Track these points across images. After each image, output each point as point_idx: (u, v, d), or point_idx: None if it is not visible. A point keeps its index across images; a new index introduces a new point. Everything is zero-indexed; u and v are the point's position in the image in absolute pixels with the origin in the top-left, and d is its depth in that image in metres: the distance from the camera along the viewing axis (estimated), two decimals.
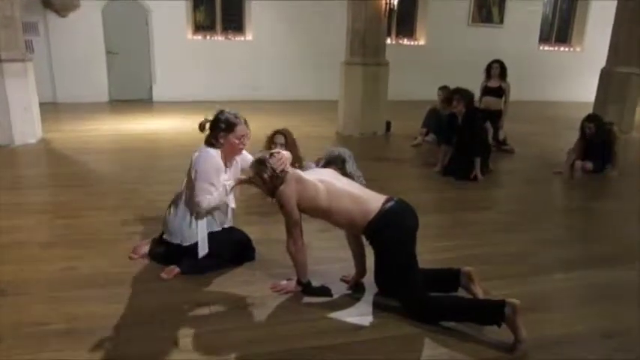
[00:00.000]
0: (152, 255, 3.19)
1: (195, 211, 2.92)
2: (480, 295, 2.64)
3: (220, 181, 2.90)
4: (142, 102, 10.38)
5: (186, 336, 2.41)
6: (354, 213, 2.54)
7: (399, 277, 2.53)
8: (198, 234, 2.94)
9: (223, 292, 2.82)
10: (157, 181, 4.91)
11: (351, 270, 2.97)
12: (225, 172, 2.96)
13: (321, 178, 2.65)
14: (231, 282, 2.94)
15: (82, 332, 2.41)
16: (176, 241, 2.95)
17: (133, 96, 10.49)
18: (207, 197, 2.84)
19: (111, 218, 3.88)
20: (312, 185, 2.60)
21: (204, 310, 2.64)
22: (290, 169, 2.74)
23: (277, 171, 2.68)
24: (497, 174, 5.65)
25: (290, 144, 4.28)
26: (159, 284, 2.88)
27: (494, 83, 7.11)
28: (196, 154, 2.93)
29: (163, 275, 2.94)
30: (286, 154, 2.77)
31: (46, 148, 6.33)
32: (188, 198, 2.94)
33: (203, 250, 2.95)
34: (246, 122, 2.94)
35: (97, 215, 3.94)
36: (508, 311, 2.32)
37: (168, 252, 3.02)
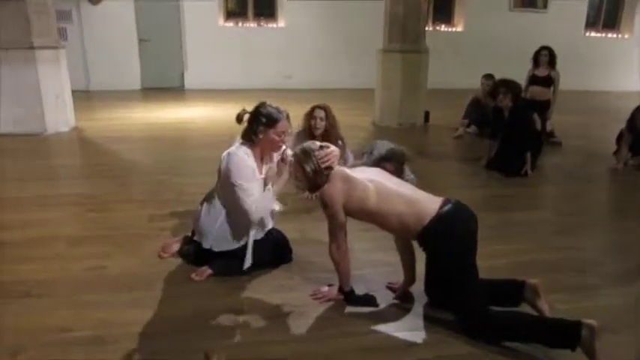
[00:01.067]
0: (182, 254, 2.99)
1: (248, 221, 2.68)
2: (547, 311, 2.34)
3: (259, 182, 2.66)
4: (173, 90, 10.28)
5: (217, 349, 2.19)
6: (407, 217, 2.26)
7: (457, 289, 2.25)
8: (248, 247, 2.73)
9: (258, 299, 2.60)
10: (187, 173, 4.73)
11: (398, 276, 2.71)
12: (262, 169, 2.72)
13: (370, 178, 2.38)
14: (267, 286, 2.71)
15: (108, 341, 2.22)
16: (207, 245, 2.74)
17: (164, 84, 10.40)
18: (254, 203, 2.58)
19: (140, 212, 3.71)
20: (361, 185, 2.34)
21: (238, 319, 2.42)
22: (336, 167, 2.49)
23: (322, 166, 2.43)
24: (546, 169, 5.24)
25: (330, 119, 4.03)
26: (189, 287, 2.68)
27: (542, 72, 6.66)
28: (225, 155, 2.68)
29: (194, 277, 2.73)
30: (336, 150, 2.51)
31: (78, 137, 6.25)
32: (229, 209, 2.71)
33: (249, 261, 2.75)
34: (288, 117, 2.68)
35: (126, 209, 3.77)
36: (585, 334, 2.01)
37: (199, 252, 2.80)
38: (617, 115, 8.83)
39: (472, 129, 6.94)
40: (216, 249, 2.71)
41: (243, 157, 2.59)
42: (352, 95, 9.67)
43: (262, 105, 2.67)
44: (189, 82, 10.52)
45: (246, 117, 2.70)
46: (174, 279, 2.77)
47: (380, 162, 4.14)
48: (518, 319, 2.23)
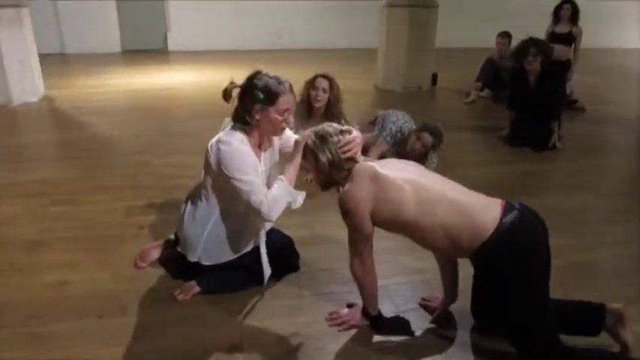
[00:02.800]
0: (164, 262, 2.44)
1: (253, 222, 2.14)
2: (629, 341, 1.82)
3: (260, 174, 2.07)
4: (156, 52, 9.50)
5: None
6: (458, 230, 1.71)
7: (520, 315, 1.72)
8: (261, 253, 2.18)
9: (261, 328, 2.05)
10: (170, 151, 4.12)
11: (433, 287, 2.19)
12: (261, 159, 2.12)
13: (405, 176, 1.80)
14: (271, 307, 2.17)
15: None
16: (193, 257, 2.16)
17: (146, 45, 9.61)
18: (265, 196, 1.96)
19: (115, 204, 3.12)
20: (396, 187, 1.77)
21: (237, 357, 1.89)
22: (361, 159, 1.91)
23: (342, 156, 1.86)
24: (574, 139, 4.66)
25: (335, 92, 3.43)
26: (173, 310, 2.13)
27: (563, 28, 6.03)
28: (213, 144, 2.04)
29: (179, 296, 2.19)
30: (359, 136, 1.93)
31: (48, 108, 5.57)
32: (225, 207, 2.11)
33: (267, 272, 2.23)
34: (291, 89, 2.05)
35: (99, 200, 3.18)
36: None
37: (184, 263, 2.24)
38: (632, 74, 8.28)
39: (485, 93, 6.35)
40: (205, 262, 2.15)
41: (238, 147, 1.99)
42: (351, 56, 8.98)
43: (257, 75, 2.02)
44: (173, 43, 9.73)
45: (235, 92, 2.07)
46: (154, 299, 2.22)
47: (417, 132, 3.57)
48: (601, 358, 1.72)
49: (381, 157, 3.81)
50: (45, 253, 2.57)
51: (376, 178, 1.79)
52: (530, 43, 4.29)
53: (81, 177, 3.55)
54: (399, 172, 1.83)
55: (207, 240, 2.11)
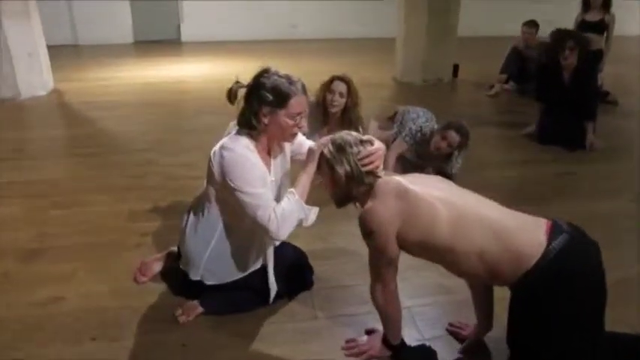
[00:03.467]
0: (166, 276, 2.24)
1: (271, 239, 1.92)
2: None
3: (269, 184, 1.85)
4: (169, 43, 9.29)
5: None
6: (495, 257, 1.47)
7: (568, 352, 1.48)
8: (268, 273, 1.98)
9: (271, 355, 1.85)
10: (179, 149, 3.92)
11: (462, 311, 1.96)
12: (270, 167, 1.90)
13: (437, 194, 1.57)
14: (282, 332, 1.96)
15: None
16: (195, 276, 1.96)
17: (159, 36, 9.40)
18: (273, 212, 1.72)
19: (118, 207, 2.94)
20: (427, 205, 1.54)
21: None
22: (383, 173, 1.68)
23: (361, 170, 1.63)
24: (608, 137, 4.32)
25: (353, 97, 3.17)
26: (174, 333, 1.93)
27: (594, 16, 5.65)
28: (217, 151, 1.81)
29: (180, 317, 1.99)
30: (382, 148, 1.70)
31: (56, 102, 5.41)
32: (229, 221, 1.90)
33: (273, 291, 2.03)
34: (304, 89, 1.81)
35: (101, 202, 3.00)
36: None
37: (187, 279, 2.03)
38: None
39: (510, 85, 6.02)
40: (209, 282, 1.95)
41: (244, 154, 1.76)
42: (368, 46, 8.67)
43: (265, 74, 1.78)
44: (187, 34, 9.50)
45: (241, 93, 1.84)
46: (154, 319, 2.03)
47: (443, 130, 3.30)
48: None
49: (400, 157, 3.58)
50: (40, 262, 2.40)
51: (404, 194, 1.55)
52: (567, 35, 3.95)
53: (84, 176, 3.37)
54: (429, 187, 1.59)
55: (210, 257, 1.90)
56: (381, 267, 1.63)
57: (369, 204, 1.59)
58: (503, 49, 6.12)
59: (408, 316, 2.02)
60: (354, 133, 1.73)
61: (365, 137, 1.72)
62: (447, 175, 3.43)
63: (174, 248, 2.27)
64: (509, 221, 1.52)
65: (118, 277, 2.27)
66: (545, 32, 5.90)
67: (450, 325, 1.98)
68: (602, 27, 5.64)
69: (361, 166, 1.64)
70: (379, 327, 1.85)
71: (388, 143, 3.70)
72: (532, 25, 5.77)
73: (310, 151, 1.78)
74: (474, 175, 3.51)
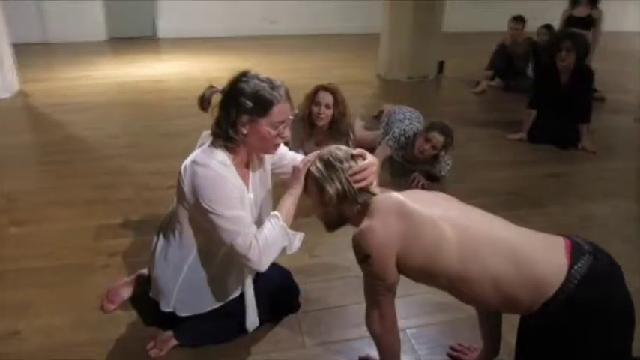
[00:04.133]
0: (136, 302, 2.02)
1: (251, 269, 1.69)
2: None
3: (247, 204, 1.64)
4: (144, 39, 8.96)
5: None
6: (512, 283, 1.29)
7: None
8: (247, 306, 1.78)
9: None
10: (153, 154, 3.67)
11: (464, 331, 1.79)
12: (249, 182, 1.69)
13: (442, 213, 1.38)
14: None
15: None
16: (166, 307, 1.74)
17: (134, 33, 9.05)
18: (255, 239, 1.52)
19: (83, 223, 2.69)
20: (431, 225, 1.35)
21: None
22: (378, 190, 1.49)
23: (354, 187, 1.44)
24: (600, 135, 4.20)
25: (340, 107, 2.98)
26: None
27: (582, 11, 5.57)
28: (187, 167, 1.58)
29: (152, 350, 1.78)
30: (375, 162, 1.51)
31: (21, 105, 5.08)
32: (203, 246, 1.68)
33: (252, 321, 1.81)
34: (287, 95, 1.59)
35: (65, 217, 2.75)
36: None
37: (159, 310, 1.81)
38: None
39: (497, 82, 5.89)
40: (181, 313, 1.73)
41: (219, 172, 1.54)
42: (350, 42, 8.47)
43: (244, 77, 1.56)
44: (163, 30, 9.18)
45: (215, 99, 1.63)
46: (123, 354, 1.81)
47: (425, 133, 3.13)
48: None
49: (388, 160, 3.41)
50: None
51: (405, 213, 1.36)
52: (564, 35, 3.79)
53: (47, 188, 3.11)
54: (432, 206, 1.40)
55: (183, 287, 1.68)
56: (378, 294, 1.44)
57: (366, 224, 1.39)
58: (488, 45, 5.99)
59: (405, 339, 1.85)
60: (343, 148, 1.53)
61: (356, 151, 1.53)
62: (437, 178, 3.27)
63: (145, 271, 2.05)
64: (525, 243, 1.34)
65: (81, 305, 2.04)
66: (532, 27, 5.81)
67: (452, 348, 1.81)
68: (589, 22, 5.55)
69: (354, 184, 1.45)
70: (373, 353, 1.67)
71: (375, 144, 3.53)
72: (519, 20, 5.65)
73: (295, 169, 1.58)
74: (465, 177, 3.37)
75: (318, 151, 1.55)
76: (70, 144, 3.92)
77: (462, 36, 8.39)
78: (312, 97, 2.96)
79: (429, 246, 1.34)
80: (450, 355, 1.81)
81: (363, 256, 1.39)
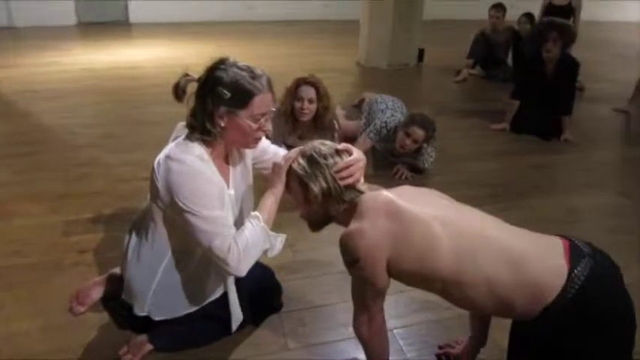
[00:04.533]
0: (108, 304, 1.90)
1: (228, 274, 1.58)
2: None
3: (227, 202, 1.53)
4: (116, 24, 8.66)
5: None
6: (508, 288, 1.22)
7: None
8: (231, 306, 1.67)
9: None
10: (126, 145, 3.53)
11: (453, 330, 1.73)
12: (229, 178, 1.58)
13: (433, 212, 1.30)
14: None
15: None
16: (140, 311, 1.63)
17: (105, 17, 8.75)
18: (234, 242, 1.40)
19: (50, 219, 2.54)
20: (423, 225, 1.27)
21: None
22: (365, 187, 1.40)
23: (340, 185, 1.36)
24: (582, 125, 4.19)
25: (324, 100, 2.88)
26: None
27: (562, 0, 5.55)
28: (161, 162, 1.46)
29: (125, 357, 1.67)
30: (362, 158, 1.42)
31: None
32: (179, 248, 1.56)
33: (237, 320, 1.71)
34: (270, 84, 1.47)
35: (31, 213, 2.60)
36: None
37: (132, 312, 1.70)
38: (630, 50, 7.88)
39: (477, 70, 5.86)
40: (157, 317, 1.63)
41: (196, 168, 1.43)
42: (330, 29, 8.35)
43: (222, 65, 1.44)
44: (135, 15, 8.89)
45: (192, 88, 1.51)
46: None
47: (405, 127, 3.06)
48: None
49: (371, 150, 3.33)
50: None
51: (396, 213, 1.28)
52: (551, 26, 3.72)
53: (12, 182, 2.94)
54: (424, 205, 1.32)
55: (158, 291, 1.57)
56: (367, 298, 1.36)
57: (354, 225, 1.30)
58: (469, 34, 5.94)
59: (393, 340, 1.77)
60: (327, 142, 1.44)
61: (341, 146, 1.44)
62: (420, 170, 3.21)
63: (118, 270, 1.93)
64: (522, 244, 1.27)
65: (49, 308, 1.91)
66: (511, 16, 5.77)
67: (440, 348, 1.75)
68: (568, 12, 5.55)
69: (339, 180, 1.36)
70: (361, 356, 1.60)
71: (357, 134, 3.44)
72: (499, 8, 5.60)
73: (276, 166, 1.48)
74: (449, 169, 3.32)
75: (301, 147, 1.45)
76: (38, 134, 3.74)
77: (442, 23, 8.34)
78: (293, 92, 2.86)
79: (420, 247, 1.26)
80: (437, 356, 1.75)
81: (352, 259, 1.30)
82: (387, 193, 1.34)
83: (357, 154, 1.41)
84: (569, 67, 3.84)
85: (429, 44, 6.50)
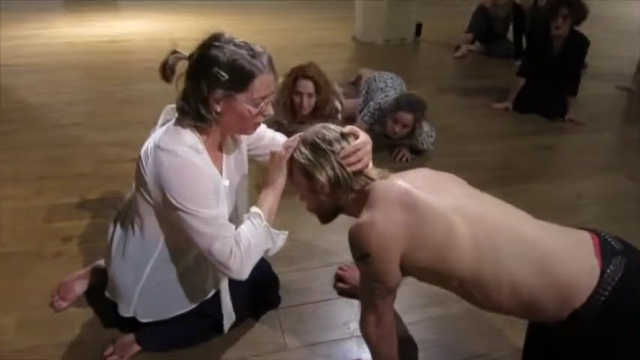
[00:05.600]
0: (93, 298, 1.76)
1: (230, 277, 1.42)
2: None
3: (223, 194, 1.38)
4: None
5: None
6: (536, 289, 1.10)
7: None
8: (223, 304, 1.54)
9: None
10: (113, 123, 3.34)
11: (460, 330, 1.61)
12: (222, 166, 1.43)
13: (452, 203, 1.17)
14: None
15: None
16: (126, 312, 1.49)
17: None
18: (235, 243, 1.28)
19: (32, 203, 2.39)
20: (441, 219, 1.14)
21: None
22: (375, 173, 1.27)
23: (347, 173, 1.23)
24: (584, 104, 4.05)
25: (322, 92, 2.74)
26: None
27: None
28: (149, 152, 1.29)
29: (110, 358, 1.54)
30: (368, 141, 1.29)
31: None
32: (171, 245, 1.42)
33: (229, 320, 1.59)
34: (272, 65, 1.30)
35: (11, 196, 2.44)
36: None
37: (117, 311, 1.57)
38: (625, 25, 7.71)
39: (477, 46, 5.67)
40: (144, 319, 1.49)
41: (191, 161, 1.26)
42: (323, 2, 8.05)
43: (216, 42, 1.26)
44: None
45: (180, 67, 1.34)
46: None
47: (392, 113, 2.93)
48: None
49: (368, 131, 3.18)
50: None
51: (412, 204, 1.15)
52: (562, 1, 3.52)
53: None
54: (441, 193, 1.19)
55: (145, 291, 1.43)
56: (376, 297, 1.24)
57: (365, 216, 1.17)
58: (468, 7, 5.74)
59: None
60: (331, 126, 1.30)
61: (346, 129, 1.29)
62: (420, 151, 3.08)
63: (102, 262, 1.79)
64: (550, 240, 1.14)
65: (28, 302, 1.78)
66: None
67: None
68: None
69: (347, 167, 1.23)
70: (365, 356, 1.49)
71: (355, 113, 3.29)
72: None
73: (276, 157, 1.33)
74: (450, 150, 3.18)
75: (302, 133, 1.31)
76: (18, 111, 3.54)
77: None
78: (291, 86, 2.72)
79: (439, 244, 1.14)
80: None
81: (362, 254, 1.18)
82: (401, 182, 1.20)
83: (364, 137, 1.28)
84: (579, 45, 3.68)
85: (427, 18, 6.28)
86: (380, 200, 1.18)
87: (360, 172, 1.25)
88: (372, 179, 1.26)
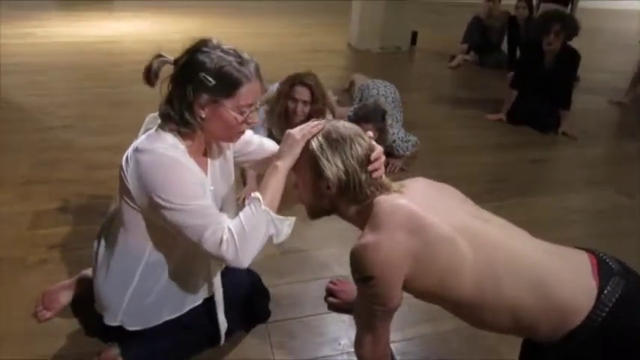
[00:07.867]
0: (78, 309, 1.72)
1: (206, 267, 1.44)
2: None
3: (209, 194, 1.34)
4: None
5: None
6: (535, 312, 1.09)
7: None
8: (218, 311, 1.51)
9: None
10: (105, 127, 3.30)
11: (451, 345, 1.59)
12: (207, 172, 1.39)
13: (455, 222, 1.14)
14: None
15: None
16: (111, 321, 1.44)
17: None
18: (227, 230, 1.22)
19: (17, 208, 2.33)
20: (447, 243, 1.11)
21: None
22: (386, 183, 1.24)
23: (360, 179, 1.21)
24: (578, 118, 4.05)
25: (318, 103, 2.71)
26: None
27: None
28: (130, 157, 1.26)
29: None
30: (380, 149, 1.26)
31: None
32: (150, 258, 1.38)
33: (224, 329, 1.55)
34: (259, 73, 1.28)
35: None
36: None
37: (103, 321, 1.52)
38: (621, 39, 7.80)
39: (471, 56, 5.69)
40: (131, 327, 1.45)
41: (170, 156, 1.23)
42: (318, 7, 8.06)
43: (204, 48, 1.24)
44: None
45: (165, 71, 1.31)
46: None
47: (360, 120, 2.87)
48: None
49: None
50: None
51: (418, 228, 1.12)
52: (554, 18, 3.55)
53: None
54: (447, 213, 1.16)
55: (133, 300, 1.39)
56: (375, 319, 1.21)
57: (370, 237, 1.13)
58: (463, 17, 5.75)
59: None
60: (349, 125, 1.25)
61: (367, 135, 1.27)
62: (398, 156, 3.03)
63: (89, 271, 1.74)
64: (549, 262, 1.13)
65: (11, 312, 1.73)
66: (509, 1, 5.59)
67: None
68: None
69: (370, 172, 1.20)
70: None
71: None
72: None
73: (291, 137, 1.26)
74: (442, 162, 3.17)
75: (327, 120, 1.27)
76: (7, 112, 3.48)
77: (434, 5, 8.12)
78: (287, 93, 2.67)
79: (442, 270, 1.12)
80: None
81: (364, 277, 1.14)
82: (406, 203, 1.16)
83: (379, 147, 1.25)
84: (570, 59, 3.69)
85: (422, 27, 6.30)
86: (385, 221, 1.14)
87: (375, 179, 1.22)
88: (387, 188, 1.22)
